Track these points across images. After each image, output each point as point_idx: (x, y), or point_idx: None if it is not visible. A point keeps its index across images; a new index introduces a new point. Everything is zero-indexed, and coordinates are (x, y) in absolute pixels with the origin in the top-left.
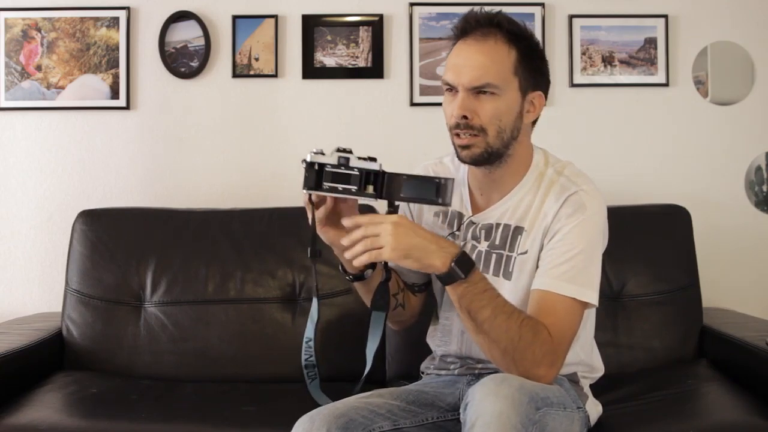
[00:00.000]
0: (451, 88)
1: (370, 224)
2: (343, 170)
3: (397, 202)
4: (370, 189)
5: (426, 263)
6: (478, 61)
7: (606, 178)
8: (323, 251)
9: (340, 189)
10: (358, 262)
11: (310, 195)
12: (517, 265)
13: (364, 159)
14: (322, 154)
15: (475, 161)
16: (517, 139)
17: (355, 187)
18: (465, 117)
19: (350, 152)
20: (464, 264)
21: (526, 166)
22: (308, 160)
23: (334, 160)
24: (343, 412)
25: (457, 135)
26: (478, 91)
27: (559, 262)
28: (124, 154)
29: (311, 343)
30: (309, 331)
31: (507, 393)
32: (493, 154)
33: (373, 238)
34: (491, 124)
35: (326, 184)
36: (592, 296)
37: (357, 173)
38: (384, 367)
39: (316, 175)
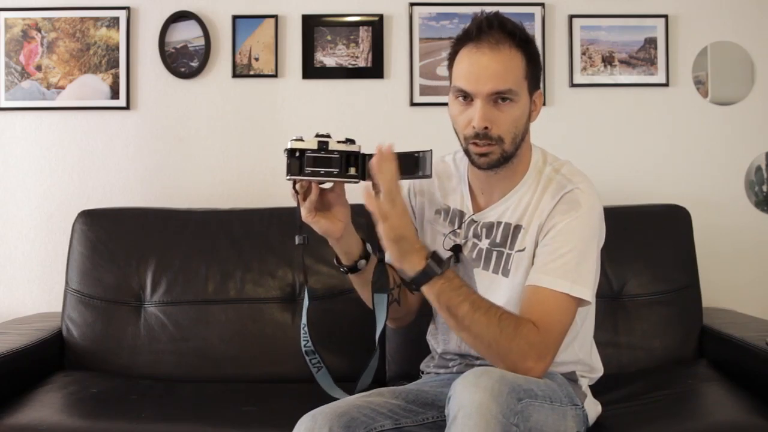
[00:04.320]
0: (465, 96)
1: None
2: (323, 154)
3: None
4: (352, 171)
5: (406, 258)
6: (496, 69)
7: (606, 178)
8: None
9: (323, 173)
10: None
11: (294, 182)
12: (515, 262)
13: (343, 142)
14: (302, 140)
15: (492, 167)
16: (523, 140)
17: (337, 170)
18: (485, 128)
19: (329, 137)
20: (440, 260)
21: (526, 165)
22: (289, 147)
23: (313, 145)
24: (345, 411)
25: (475, 144)
26: (497, 99)
27: (552, 258)
28: (124, 154)
29: (306, 329)
30: (303, 317)
31: (486, 384)
32: (507, 158)
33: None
34: (508, 133)
35: (308, 169)
36: (585, 292)
37: (337, 156)
38: (384, 367)
39: (297, 161)
